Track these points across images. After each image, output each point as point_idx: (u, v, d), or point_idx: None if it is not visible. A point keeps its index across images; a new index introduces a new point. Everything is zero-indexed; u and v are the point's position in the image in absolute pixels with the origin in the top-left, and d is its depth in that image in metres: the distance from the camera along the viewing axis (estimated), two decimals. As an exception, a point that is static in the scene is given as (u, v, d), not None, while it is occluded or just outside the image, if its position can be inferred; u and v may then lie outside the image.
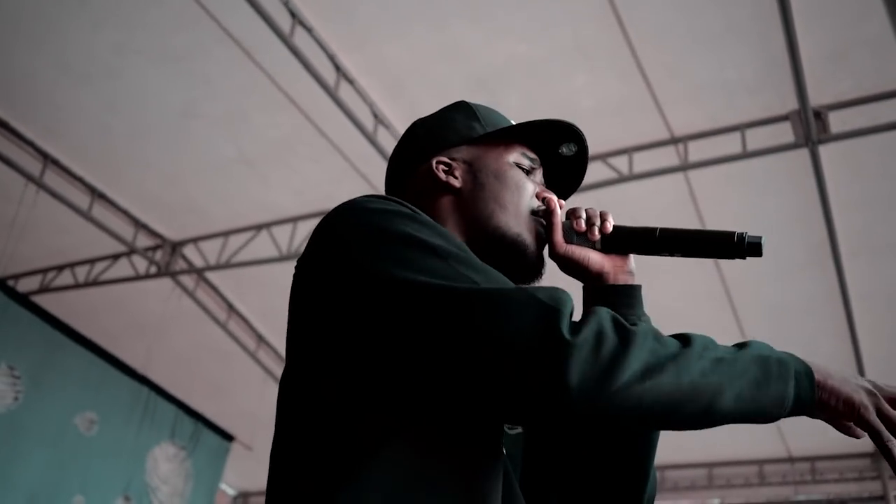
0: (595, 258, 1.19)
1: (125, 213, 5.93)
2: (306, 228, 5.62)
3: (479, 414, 0.96)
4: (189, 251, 6.24)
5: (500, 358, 0.86)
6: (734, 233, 1.10)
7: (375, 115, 4.82)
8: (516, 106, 4.44)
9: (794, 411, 0.99)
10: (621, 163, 4.91)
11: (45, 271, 6.56)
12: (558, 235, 1.18)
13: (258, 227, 5.86)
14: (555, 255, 1.19)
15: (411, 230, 0.97)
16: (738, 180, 4.90)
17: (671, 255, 1.17)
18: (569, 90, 4.55)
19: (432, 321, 0.90)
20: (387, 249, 0.96)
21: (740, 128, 4.63)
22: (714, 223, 5.15)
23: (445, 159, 1.23)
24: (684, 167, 4.75)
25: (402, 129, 4.94)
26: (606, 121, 4.68)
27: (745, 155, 4.57)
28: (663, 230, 1.16)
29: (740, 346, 0.98)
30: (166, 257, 6.19)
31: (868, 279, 5.37)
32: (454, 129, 1.26)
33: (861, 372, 6.13)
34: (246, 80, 4.73)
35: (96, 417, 6.16)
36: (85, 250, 6.32)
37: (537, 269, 1.20)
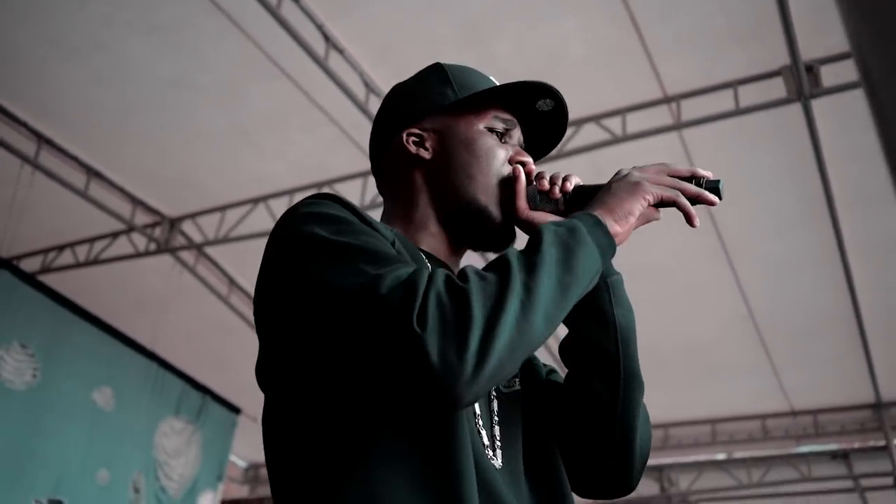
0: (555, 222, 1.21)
1: (122, 190, 5.94)
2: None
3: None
4: (187, 227, 6.26)
5: (375, 363, 0.90)
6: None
7: (366, 84, 4.81)
8: (507, 53, 4.42)
9: (606, 261, 1.05)
10: (615, 124, 4.90)
11: (45, 252, 6.59)
12: (521, 202, 1.20)
13: (255, 201, 5.87)
14: (517, 221, 1.21)
15: (317, 232, 1.00)
16: (731, 137, 4.89)
17: None
18: (559, 34, 4.49)
19: (321, 322, 0.95)
20: (289, 258, 1.02)
21: (732, 84, 4.62)
22: (709, 181, 5.15)
23: (416, 130, 1.24)
24: (678, 126, 4.74)
25: (394, 96, 4.92)
26: (597, 72, 4.64)
27: (738, 112, 4.56)
28: None
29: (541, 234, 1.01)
30: (165, 234, 6.21)
31: (863, 230, 5.38)
32: (426, 96, 1.26)
33: (860, 325, 6.16)
34: (236, 51, 4.71)
35: (112, 393, 6.25)
36: (84, 229, 6.34)
37: (505, 240, 1.23)
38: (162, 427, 6.62)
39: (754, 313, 6.33)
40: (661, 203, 1.11)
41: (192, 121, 5.26)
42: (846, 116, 4.58)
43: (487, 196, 1.20)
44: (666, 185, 1.12)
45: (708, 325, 6.51)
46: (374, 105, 4.85)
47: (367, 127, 4.92)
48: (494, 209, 1.21)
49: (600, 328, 1.16)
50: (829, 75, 4.34)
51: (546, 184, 1.20)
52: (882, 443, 7.63)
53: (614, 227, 1.06)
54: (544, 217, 1.19)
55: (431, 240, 1.21)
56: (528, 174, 1.22)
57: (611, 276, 1.18)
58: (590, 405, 1.15)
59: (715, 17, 4.31)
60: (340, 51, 4.64)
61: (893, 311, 6.11)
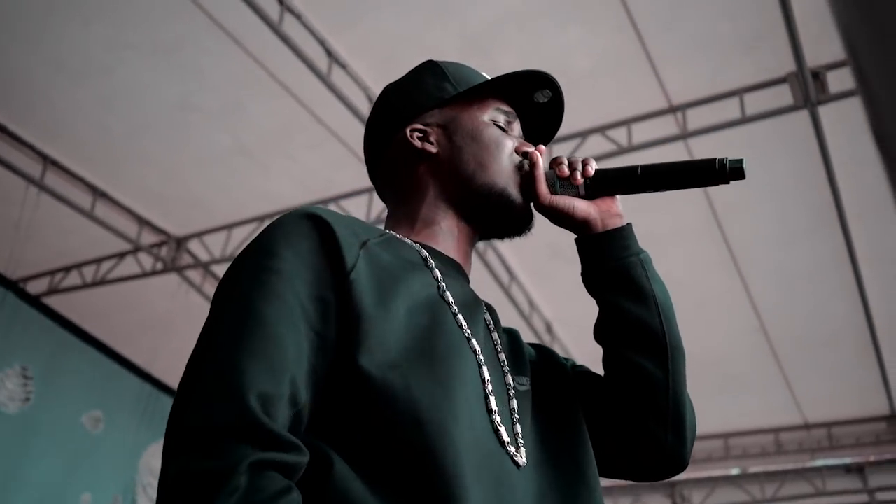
0: (580, 206, 1.19)
1: (128, 210, 5.93)
2: (308, 217, 5.62)
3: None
4: (194, 246, 6.25)
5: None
6: (715, 159, 1.12)
7: (370, 99, 4.81)
8: (511, 67, 4.32)
9: None
10: (620, 135, 4.88)
11: (52, 273, 6.58)
12: (542, 187, 1.18)
13: (261, 219, 5.86)
14: (540, 207, 1.19)
15: (245, 275, 0.98)
16: (739, 146, 4.85)
17: (656, 190, 1.17)
18: (562, 46, 4.47)
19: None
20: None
21: (738, 93, 4.59)
22: (718, 190, 5.12)
23: (419, 126, 1.22)
24: (684, 135, 4.72)
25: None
26: (602, 83, 4.62)
27: (745, 120, 4.53)
28: (644, 167, 1.17)
29: None
30: (171, 253, 6.20)
31: (875, 239, 5.33)
32: (425, 92, 1.25)
33: (874, 335, 6.09)
34: (239, 70, 4.72)
35: (102, 416, 6.22)
36: (90, 250, 6.34)
37: (525, 223, 1.21)
38: (152, 448, 6.58)
39: (766, 325, 6.27)
40: None
41: (197, 140, 5.27)
42: (854, 123, 4.52)
43: (503, 179, 1.18)
44: None
45: (719, 337, 6.45)
46: (379, 120, 4.84)
47: (371, 142, 4.94)
48: (514, 191, 1.19)
49: (642, 305, 1.15)
50: (836, 81, 4.31)
51: (566, 169, 1.19)
52: (898, 455, 7.53)
53: None
54: (568, 202, 1.18)
55: (441, 236, 1.18)
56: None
57: (641, 253, 1.18)
58: (640, 383, 1.14)
59: (719, 24, 4.29)
60: (343, 66, 4.64)
61: (907, 320, 6.04)
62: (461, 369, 0.99)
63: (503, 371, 1.09)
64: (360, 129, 5.20)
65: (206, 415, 0.84)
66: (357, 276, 0.98)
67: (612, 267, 1.17)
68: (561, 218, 1.19)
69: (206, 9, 4.36)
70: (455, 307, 1.06)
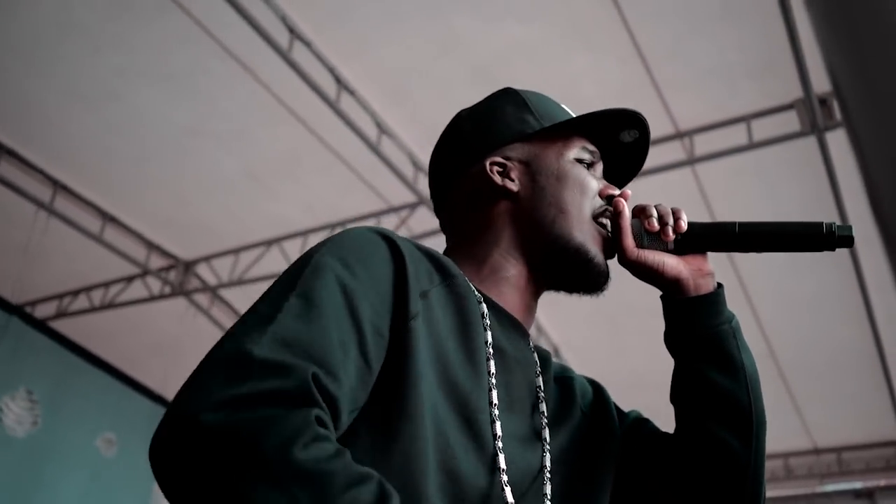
0: (671, 263, 1.09)
1: (137, 234, 5.96)
2: (316, 241, 5.61)
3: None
4: (202, 269, 6.27)
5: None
6: (822, 223, 1.04)
7: (378, 125, 4.83)
8: None
9: None
10: (627, 160, 4.88)
11: (61, 296, 6.61)
12: (628, 240, 1.08)
13: (268, 243, 5.87)
14: (626, 262, 1.09)
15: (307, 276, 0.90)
16: (746, 172, 4.86)
17: (752, 250, 1.09)
18: (570, 74, 4.49)
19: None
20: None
21: (746, 119, 4.60)
22: (724, 216, 5.11)
23: (500, 159, 1.12)
24: (691, 161, 4.72)
25: (405, 136, 4.95)
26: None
27: (752, 146, 4.54)
28: (743, 224, 1.07)
29: None
30: (180, 277, 6.22)
31: (883, 264, 5.29)
32: (505, 123, 1.14)
33: (883, 360, 6.05)
34: (248, 97, 4.75)
35: (115, 438, 6.19)
36: (99, 274, 6.36)
37: (602, 281, 1.11)
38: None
39: (775, 351, 6.23)
40: None
41: (206, 165, 5.29)
42: (862, 149, 4.53)
43: (583, 232, 1.09)
44: None
45: (727, 362, 6.41)
46: (387, 146, 4.86)
47: (379, 168, 4.96)
48: (592, 247, 1.09)
49: (731, 377, 1.07)
50: (843, 108, 4.32)
51: (655, 223, 1.09)
52: (909, 481, 7.45)
53: None
54: (658, 258, 1.08)
55: (505, 286, 1.09)
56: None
57: (733, 320, 1.09)
58: (721, 459, 1.06)
59: (726, 51, 4.31)
60: (352, 92, 4.67)
61: (917, 346, 6.01)
62: (467, 457, 0.93)
63: (544, 449, 1.03)
64: (367, 155, 5.23)
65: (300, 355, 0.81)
66: (415, 325, 0.91)
67: (703, 334, 1.08)
68: (647, 274, 1.09)
69: (215, 36, 4.40)
70: (494, 380, 0.98)
